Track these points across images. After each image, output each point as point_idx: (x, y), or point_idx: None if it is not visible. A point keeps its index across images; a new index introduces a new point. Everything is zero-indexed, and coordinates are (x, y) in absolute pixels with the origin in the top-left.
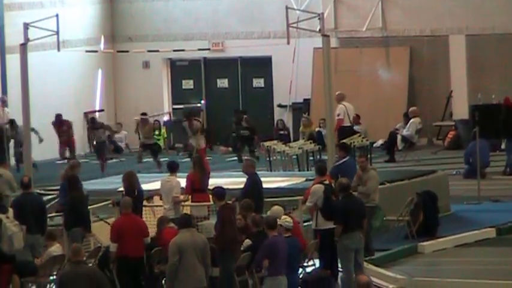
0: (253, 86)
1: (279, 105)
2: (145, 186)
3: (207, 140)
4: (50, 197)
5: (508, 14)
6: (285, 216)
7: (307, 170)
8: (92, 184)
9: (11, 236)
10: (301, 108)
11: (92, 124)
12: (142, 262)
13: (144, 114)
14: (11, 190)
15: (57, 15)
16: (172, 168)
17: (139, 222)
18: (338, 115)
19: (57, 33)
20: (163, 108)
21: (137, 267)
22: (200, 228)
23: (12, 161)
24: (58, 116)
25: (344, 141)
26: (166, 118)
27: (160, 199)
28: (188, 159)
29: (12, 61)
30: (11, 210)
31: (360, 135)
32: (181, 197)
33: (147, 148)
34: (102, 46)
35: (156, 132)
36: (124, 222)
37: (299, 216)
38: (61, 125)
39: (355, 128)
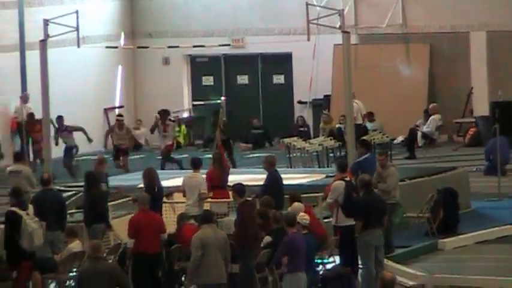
0: (274, 82)
1: (299, 102)
2: (165, 183)
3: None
4: (69, 193)
5: None
6: (302, 214)
7: (328, 167)
8: (112, 180)
9: (31, 232)
10: (321, 105)
11: (59, 126)
12: (159, 258)
13: (120, 115)
14: (31, 186)
15: (77, 12)
16: (196, 164)
17: (157, 219)
18: None
19: (77, 29)
20: (183, 105)
21: (154, 263)
22: (220, 225)
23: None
24: (30, 115)
25: (364, 138)
26: (186, 115)
27: (184, 196)
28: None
29: (32, 57)
30: (31, 207)
31: (380, 132)
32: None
33: (119, 151)
34: (122, 42)
35: (177, 129)
36: (141, 218)
37: (319, 213)
38: (34, 124)
39: (368, 125)
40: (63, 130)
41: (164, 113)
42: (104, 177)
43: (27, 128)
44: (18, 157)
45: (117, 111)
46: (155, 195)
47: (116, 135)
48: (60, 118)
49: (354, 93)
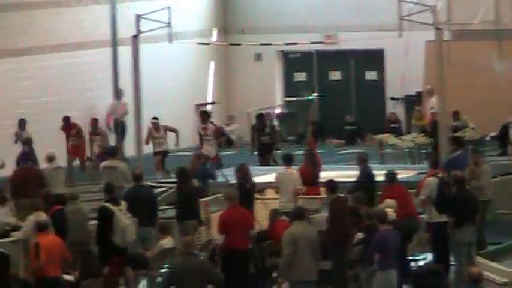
0: (366, 78)
1: (392, 98)
2: (258, 179)
3: (319, 132)
4: (161, 189)
5: None
6: (388, 210)
7: (420, 163)
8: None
9: (124, 228)
10: (413, 101)
11: (92, 129)
12: (249, 254)
13: (155, 118)
14: (126, 182)
15: (169, 7)
16: (289, 160)
17: (246, 214)
18: (431, 108)
19: (169, 25)
20: (275, 101)
21: (243, 259)
22: (312, 222)
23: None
24: (66, 119)
25: (456, 134)
26: (278, 110)
27: (276, 192)
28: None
29: (124, 53)
30: (123, 203)
31: (472, 129)
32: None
33: (158, 155)
34: (214, 38)
35: None
36: (231, 214)
37: None
38: (69, 129)
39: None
40: (97, 133)
41: (203, 115)
42: (207, 172)
43: (65, 132)
44: (113, 153)
45: (209, 107)
46: (247, 191)
47: (154, 139)
48: (94, 120)
49: (433, 90)
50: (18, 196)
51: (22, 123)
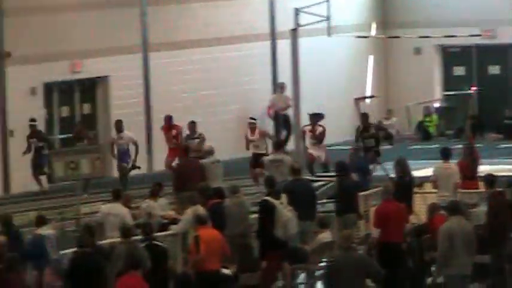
0: None
1: None
2: (416, 173)
3: (478, 127)
4: (320, 183)
5: None
6: None
7: None
8: None
9: (286, 221)
10: None
11: (188, 135)
12: (404, 248)
13: (252, 119)
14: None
15: (328, 1)
16: (447, 154)
17: (401, 208)
18: None
19: (328, 18)
20: (434, 95)
21: (398, 253)
22: (470, 216)
23: None
24: (168, 119)
25: None
26: (437, 104)
27: (434, 186)
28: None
29: (283, 46)
30: (283, 196)
31: None
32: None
33: (257, 159)
34: (373, 32)
35: (427, 119)
36: (385, 208)
37: None
38: (170, 129)
39: None
40: (195, 137)
41: (314, 116)
42: (364, 165)
43: (164, 131)
44: (279, 146)
45: (367, 101)
46: (406, 185)
47: (250, 141)
48: (193, 124)
49: None
50: (181, 189)
51: (119, 125)
